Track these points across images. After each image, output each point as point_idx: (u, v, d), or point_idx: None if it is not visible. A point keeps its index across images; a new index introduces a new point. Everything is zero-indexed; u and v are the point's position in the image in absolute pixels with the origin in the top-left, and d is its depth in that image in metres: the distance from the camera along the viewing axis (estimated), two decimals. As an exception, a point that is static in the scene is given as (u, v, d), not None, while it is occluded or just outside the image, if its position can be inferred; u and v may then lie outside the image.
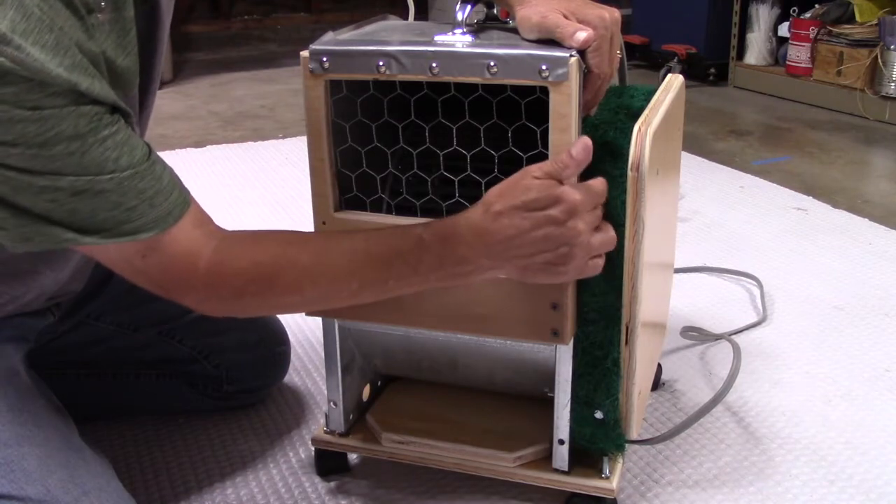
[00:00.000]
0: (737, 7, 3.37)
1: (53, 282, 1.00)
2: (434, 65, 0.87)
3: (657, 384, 1.32)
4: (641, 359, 0.99)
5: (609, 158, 0.90)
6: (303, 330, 1.51)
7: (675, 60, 3.34)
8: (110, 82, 0.75)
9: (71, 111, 0.70)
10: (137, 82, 0.84)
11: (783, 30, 3.28)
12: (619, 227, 0.90)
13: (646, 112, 0.96)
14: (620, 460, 1.04)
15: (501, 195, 0.80)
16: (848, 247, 1.86)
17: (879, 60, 2.87)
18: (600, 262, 0.85)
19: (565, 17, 0.86)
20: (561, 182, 0.80)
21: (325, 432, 1.10)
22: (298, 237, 0.86)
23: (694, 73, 3.39)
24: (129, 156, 0.74)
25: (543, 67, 0.84)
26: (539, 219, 0.79)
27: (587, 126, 0.92)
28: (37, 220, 0.74)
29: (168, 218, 0.78)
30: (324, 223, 0.97)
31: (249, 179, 2.36)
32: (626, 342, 0.96)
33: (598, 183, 0.84)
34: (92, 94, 0.71)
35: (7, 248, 0.76)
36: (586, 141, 0.82)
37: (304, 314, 1.00)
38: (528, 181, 0.80)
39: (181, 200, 0.80)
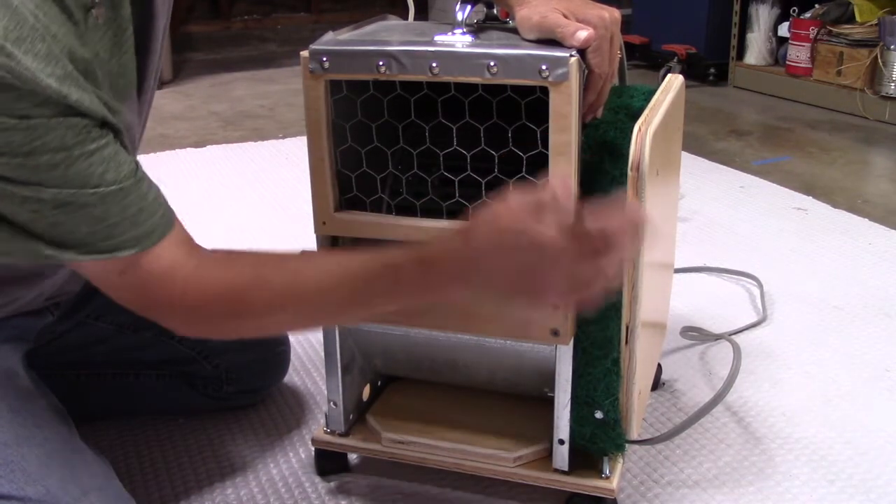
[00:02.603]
0: (737, 7, 3.37)
1: (51, 284, 1.00)
2: (434, 65, 0.87)
3: (657, 384, 1.32)
4: (641, 359, 0.99)
5: (609, 158, 0.90)
6: (303, 330, 1.51)
7: (675, 60, 3.34)
8: (111, 84, 0.75)
9: (59, 122, 0.69)
10: (136, 81, 0.83)
11: (783, 30, 3.28)
12: (619, 227, 0.90)
13: (646, 112, 0.96)
14: (620, 460, 1.04)
15: (480, 226, 0.75)
16: (848, 247, 1.86)
17: (879, 60, 2.87)
18: (591, 294, 0.75)
19: (565, 16, 0.86)
20: (542, 214, 0.72)
21: (325, 432, 1.10)
22: (274, 259, 0.84)
23: (694, 73, 3.39)
24: (115, 171, 0.73)
25: (543, 67, 0.84)
26: (517, 256, 0.73)
27: (587, 126, 0.92)
28: (18, 233, 0.73)
29: (150, 237, 0.77)
30: (324, 223, 0.97)
31: (249, 179, 2.36)
32: (626, 342, 0.96)
33: (599, 227, 0.73)
34: (82, 106, 0.70)
35: None
36: (568, 183, 0.76)
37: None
38: (507, 216, 0.73)
39: (165, 220, 0.78)
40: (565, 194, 0.73)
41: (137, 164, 0.77)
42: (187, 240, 0.82)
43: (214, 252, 0.84)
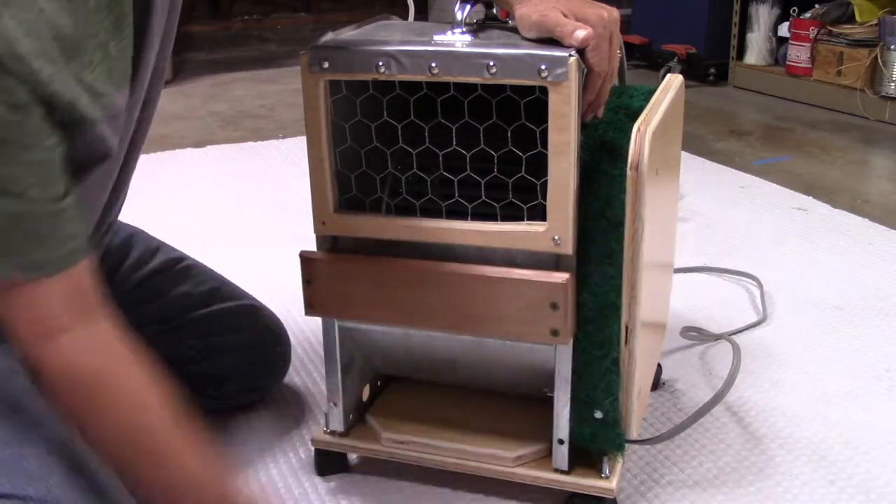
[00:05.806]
0: (737, 7, 3.37)
1: None
2: (433, 65, 0.87)
3: (657, 384, 1.32)
4: (641, 359, 0.99)
5: (609, 158, 0.90)
6: (303, 330, 1.50)
7: (675, 60, 3.34)
8: (109, 69, 0.74)
9: (19, 118, 0.66)
10: (130, 71, 0.82)
11: (783, 30, 3.28)
12: (619, 227, 0.90)
13: (645, 112, 0.96)
14: (620, 460, 1.04)
15: None
16: (848, 247, 1.86)
17: (879, 60, 2.87)
18: None
19: (565, 15, 0.86)
20: None
21: (325, 432, 1.10)
22: (157, 397, 0.85)
23: (694, 73, 3.39)
24: (41, 188, 0.69)
25: (543, 67, 0.84)
26: None
27: (586, 126, 0.92)
28: None
29: (38, 269, 0.72)
30: (323, 223, 0.97)
31: (249, 179, 2.36)
32: (626, 342, 0.96)
33: None
34: (52, 85, 0.67)
35: None
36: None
37: (300, 318, 0.99)
38: None
39: (64, 257, 0.73)
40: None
41: (67, 191, 0.72)
42: (90, 298, 0.79)
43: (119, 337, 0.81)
